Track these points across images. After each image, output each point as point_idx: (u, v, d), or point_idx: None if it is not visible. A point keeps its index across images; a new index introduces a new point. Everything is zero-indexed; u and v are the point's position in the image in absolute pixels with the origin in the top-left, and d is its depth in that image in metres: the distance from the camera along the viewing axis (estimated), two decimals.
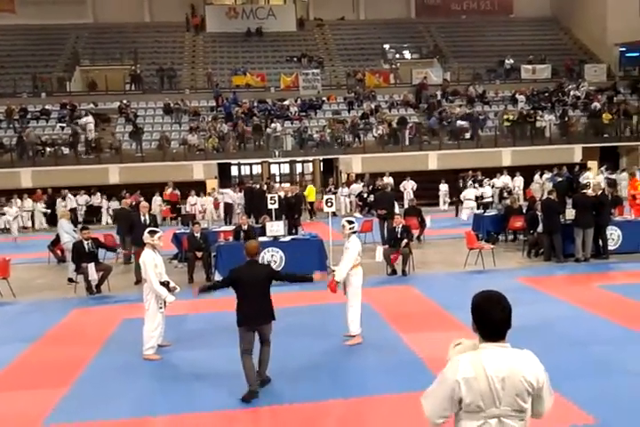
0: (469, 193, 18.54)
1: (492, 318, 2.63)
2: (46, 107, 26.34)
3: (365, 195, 21.76)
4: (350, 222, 7.47)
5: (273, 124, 24.98)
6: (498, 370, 2.56)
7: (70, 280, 11.12)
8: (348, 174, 24.00)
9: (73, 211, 19.78)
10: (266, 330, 5.79)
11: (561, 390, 5.24)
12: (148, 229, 7.28)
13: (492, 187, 20.40)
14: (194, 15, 33.49)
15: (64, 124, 25.21)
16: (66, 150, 23.90)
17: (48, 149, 23.81)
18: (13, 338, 8.03)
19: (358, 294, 7.33)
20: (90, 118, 25.28)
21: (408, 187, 21.47)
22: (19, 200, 21.13)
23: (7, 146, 23.72)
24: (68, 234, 11.63)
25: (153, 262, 6.92)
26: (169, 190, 21.45)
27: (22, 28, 31.09)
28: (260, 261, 6.11)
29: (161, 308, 6.98)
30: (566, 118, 26.26)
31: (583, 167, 23.53)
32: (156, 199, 20.69)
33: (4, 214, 18.69)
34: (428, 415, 2.69)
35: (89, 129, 24.87)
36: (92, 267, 10.22)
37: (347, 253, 7.26)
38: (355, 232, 7.49)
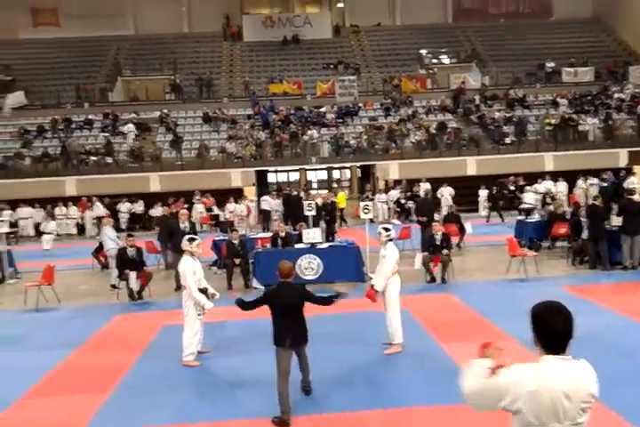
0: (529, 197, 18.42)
1: (553, 329, 2.56)
2: (89, 117, 27.07)
3: (403, 201, 21.59)
4: (387, 229, 7.29)
5: (309, 131, 25.06)
6: (562, 384, 2.50)
7: (113, 287, 11.33)
8: (386, 181, 23.87)
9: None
10: (301, 349, 5.79)
11: (611, 401, 5.05)
12: (186, 237, 7.34)
13: (535, 193, 20.01)
14: (229, 25, 33.93)
15: (107, 134, 25.82)
16: (109, 159, 24.47)
17: (92, 158, 24.43)
18: (57, 343, 8.20)
19: (397, 302, 7.24)
20: (131, 126, 25.91)
21: (445, 193, 21.16)
22: (64, 208, 21.76)
23: (52, 155, 24.41)
24: (112, 241, 11.85)
25: (192, 269, 6.97)
26: (196, 198, 21.52)
27: (66, 40, 32.13)
28: (293, 281, 5.80)
29: (200, 315, 7.03)
30: (610, 122, 25.55)
31: (628, 172, 22.83)
32: (197, 207, 20.97)
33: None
34: (471, 404, 2.69)
35: (130, 137, 25.44)
36: (133, 275, 10.40)
37: (384, 261, 7.14)
38: (391, 239, 7.33)
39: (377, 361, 6.94)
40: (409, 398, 5.79)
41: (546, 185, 21.15)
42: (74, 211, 21.85)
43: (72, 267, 14.08)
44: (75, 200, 22.22)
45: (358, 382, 6.30)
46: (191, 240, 7.14)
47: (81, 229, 21.93)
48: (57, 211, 21.69)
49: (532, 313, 2.63)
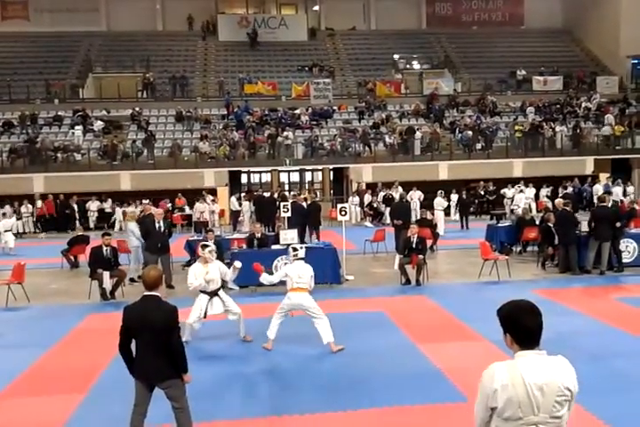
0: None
1: (526, 324, 2.64)
2: (59, 113, 26.54)
3: (375, 204, 21.76)
4: (295, 249, 7.76)
5: (285, 133, 25.06)
6: (536, 377, 2.57)
7: (132, 280, 11.46)
8: (359, 184, 24.02)
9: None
10: (170, 391, 4.51)
11: (585, 405, 5.17)
12: (201, 244, 7.89)
13: (504, 197, 20.52)
14: (191, 25, 33.65)
15: (77, 130, 25.30)
16: (78, 156, 24.01)
17: (60, 155, 23.95)
18: (29, 343, 8.02)
19: (278, 311, 7.51)
20: (100, 124, 25.57)
21: (415, 197, 21.35)
22: (29, 206, 21.27)
23: (20, 151, 23.85)
24: (137, 239, 11.64)
25: (193, 273, 7.55)
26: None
27: (36, 35, 31.39)
28: (163, 298, 4.61)
29: (199, 317, 7.57)
30: (578, 130, 26.21)
31: (594, 179, 23.54)
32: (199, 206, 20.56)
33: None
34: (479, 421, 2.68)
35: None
36: (106, 275, 10.25)
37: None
38: (301, 259, 7.62)
39: (354, 362, 6.97)
40: (390, 397, 5.82)
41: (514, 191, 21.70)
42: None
43: (40, 266, 13.74)
44: (44, 198, 21.75)
45: (339, 383, 6.32)
46: (204, 247, 7.61)
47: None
48: (23, 209, 21.21)
49: (503, 312, 2.70)
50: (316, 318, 7.33)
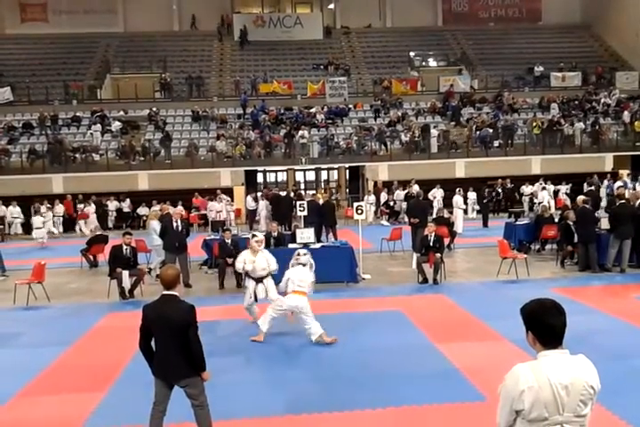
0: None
1: (550, 323, 2.61)
2: (77, 114, 26.83)
3: (392, 203, 21.67)
4: (299, 254, 7.91)
5: (301, 132, 25.08)
6: (561, 377, 2.54)
7: (150, 270, 11.78)
8: (375, 182, 23.95)
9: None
10: (189, 389, 4.54)
11: (606, 405, 5.11)
12: (251, 233, 8.89)
13: (522, 195, 20.32)
14: (193, 23, 33.80)
15: (96, 131, 25.55)
16: (96, 157, 24.25)
17: (78, 156, 24.21)
18: (49, 342, 8.11)
19: (271, 307, 7.81)
20: (118, 124, 25.76)
21: (438, 195, 21.16)
22: (49, 205, 21.49)
23: (39, 152, 24.15)
24: (159, 237, 11.67)
25: (243, 258, 8.26)
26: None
27: (54, 36, 31.80)
28: (181, 298, 4.57)
29: (250, 300, 8.25)
30: (597, 126, 25.88)
31: (613, 176, 23.23)
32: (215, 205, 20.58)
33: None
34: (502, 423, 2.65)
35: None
36: (125, 274, 10.33)
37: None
38: (303, 264, 7.75)
39: (372, 361, 6.95)
40: (407, 397, 5.80)
41: (533, 188, 21.49)
42: (60, 209, 21.63)
43: (60, 265, 13.91)
44: (62, 198, 21.97)
45: (356, 382, 6.30)
46: (252, 236, 8.44)
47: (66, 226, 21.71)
48: (42, 209, 21.44)
49: (526, 311, 2.67)
50: (307, 319, 7.44)
